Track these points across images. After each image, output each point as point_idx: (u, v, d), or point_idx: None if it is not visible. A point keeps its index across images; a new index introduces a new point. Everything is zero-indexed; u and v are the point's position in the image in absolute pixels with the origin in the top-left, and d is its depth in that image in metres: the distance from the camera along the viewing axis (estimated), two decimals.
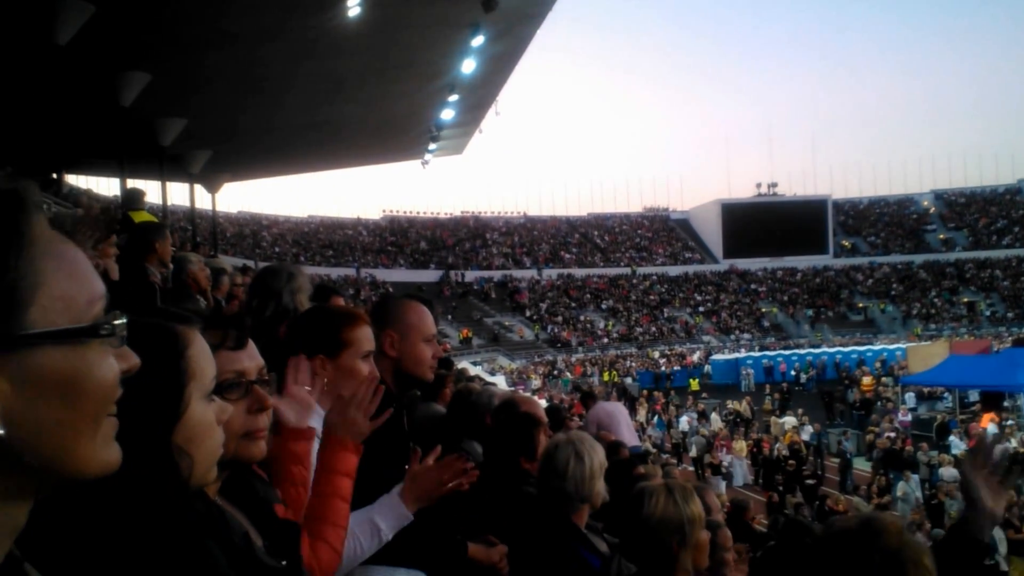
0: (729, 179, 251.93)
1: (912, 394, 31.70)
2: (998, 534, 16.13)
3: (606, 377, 45.67)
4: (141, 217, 8.86)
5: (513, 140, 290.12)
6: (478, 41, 22.66)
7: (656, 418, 32.63)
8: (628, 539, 3.19)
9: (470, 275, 69.58)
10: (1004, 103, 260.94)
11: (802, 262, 77.78)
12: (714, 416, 31.40)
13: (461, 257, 73.22)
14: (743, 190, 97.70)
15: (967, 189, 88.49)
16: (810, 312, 70.73)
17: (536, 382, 41.89)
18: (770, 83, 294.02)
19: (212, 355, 1.43)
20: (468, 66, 25.02)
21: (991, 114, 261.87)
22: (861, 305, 71.71)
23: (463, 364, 21.38)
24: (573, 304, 68.68)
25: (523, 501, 3.65)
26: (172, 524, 1.22)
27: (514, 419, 4.09)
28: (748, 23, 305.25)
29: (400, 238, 74.41)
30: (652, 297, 71.93)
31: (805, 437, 25.71)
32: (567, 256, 77.42)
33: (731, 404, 34.02)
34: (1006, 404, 26.90)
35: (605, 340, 63.01)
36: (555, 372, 49.03)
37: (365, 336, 2.66)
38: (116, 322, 0.93)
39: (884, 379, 37.63)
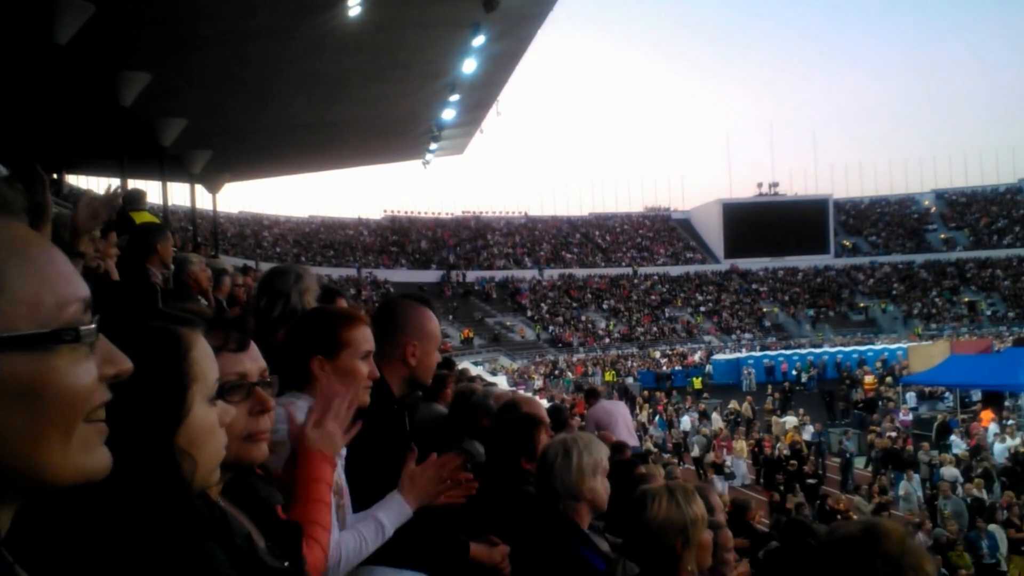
0: (730, 179, 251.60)
1: (913, 394, 31.69)
2: (999, 533, 16.16)
3: (607, 377, 45.66)
4: (142, 218, 8.86)
5: (514, 140, 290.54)
6: (479, 41, 22.65)
7: (658, 418, 32.64)
8: (632, 541, 3.19)
9: (471, 275, 69.58)
10: (1005, 103, 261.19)
11: (803, 262, 77.75)
12: (715, 416, 31.39)
13: (462, 257, 73.21)
14: (744, 190, 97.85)
15: (968, 189, 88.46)
16: (811, 312, 70.71)
17: (538, 382, 41.90)
18: (771, 82, 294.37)
19: (215, 357, 1.43)
20: (469, 66, 25.02)
21: (992, 114, 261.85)
22: (862, 305, 71.70)
23: (464, 364, 21.37)
24: (574, 304, 68.67)
25: (524, 501, 3.66)
26: (174, 525, 1.22)
27: (514, 419, 4.10)
28: (749, 23, 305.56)
29: (401, 238, 74.39)
30: (653, 297, 71.93)
31: (806, 437, 25.71)
32: (568, 256, 77.41)
33: (731, 404, 34.00)
34: (1007, 404, 26.90)
35: (606, 340, 63.01)
36: (556, 372, 49.04)
37: (364, 336, 2.66)
38: (83, 327, 0.90)
39: (887, 379, 37.59)
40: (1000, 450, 22.02)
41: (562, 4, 30.32)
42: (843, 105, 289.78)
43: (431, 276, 68.02)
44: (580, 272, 74.26)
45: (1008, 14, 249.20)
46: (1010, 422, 24.55)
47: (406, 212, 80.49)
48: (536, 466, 3.63)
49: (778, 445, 24.22)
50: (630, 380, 45.28)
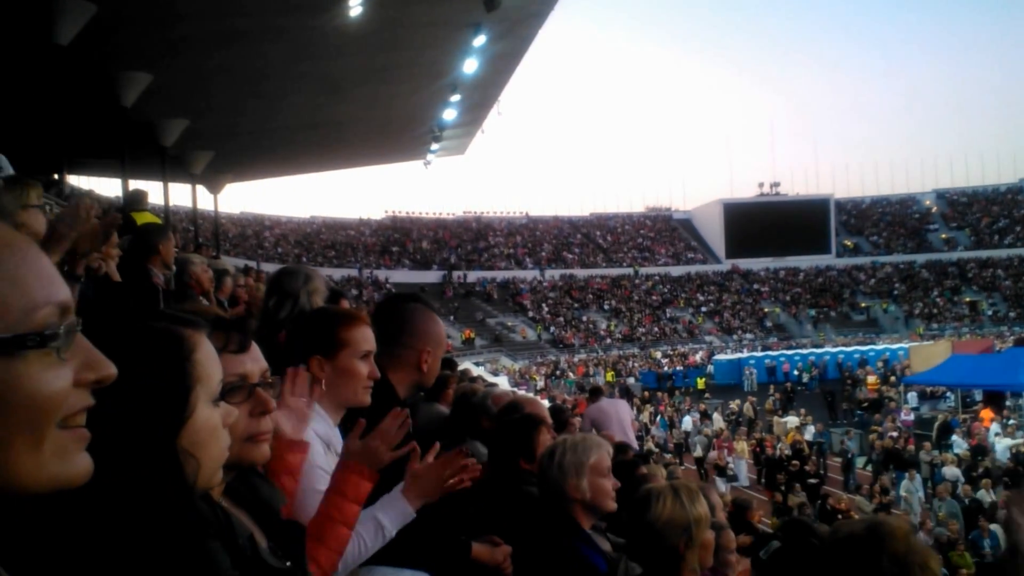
0: (731, 179, 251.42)
1: (915, 393, 31.68)
2: (1000, 533, 16.16)
3: (608, 378, 45.64)
4: (144, 218, 8.86)
5: (515, 140, 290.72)
6: (480, 41, 22.64)
7: (659, 418, 32.65)
8: (635, 540, 3.19)
9: (472, 276, 69.55)
10: (1006, 102, 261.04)
11: (804, 262, 77.72)
12: (716, 416, 31.39)
13: (463, 258, 73.18)
14: (745, 189, 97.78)
15: (969, 188, 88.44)
16: (813, 312, 70.70)
17: (540, 382, 41.90)
18: (772, 82, 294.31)
19: (218, 359, 1.43)
20: (470, 66, 25.01)
21: (993, 113, 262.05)
22: (863, 305, 71.67)
23: (466, 365, 21.34)
24: (576, 305, 68.65)
25: (524, 501, 3.66)
26: (176, 525, 1.22)
27: (515, 420, 4.10)
28: (750, 23, 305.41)
29: (402, 238, 74.36)
30: (654, 297, 71.90)
31: (807, 437, 25.71)
32: (569, 256, 77.38)
33: (734, 405, 33.98)
34: (1008, 403, 26.89)
35: (608, 341, 62.99)
36: (557, 372, 49.04)
37: (363, 336, 2.66)
38: (49, 332, 0.88)
39: (890, 378, 37.60)
40: (1002, 450, 22.01)
41: (563, 4, 30.34)
42: (844, 105, 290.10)
43: (432, 276, 68.00)
44: (581, 272, 74.24)
45: (1009, 14, 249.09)
46: (1011, 421, 24.54)
47: (407, 212, 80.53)
48: (537, 466, 3.63)
49: (779, 445, 24.22)
50: (631, 380, 45.28)
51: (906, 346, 45.30)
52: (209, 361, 1.38)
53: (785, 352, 51.56)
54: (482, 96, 30.54)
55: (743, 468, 24.85)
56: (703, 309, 70.78)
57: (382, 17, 20.14)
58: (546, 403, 11.12)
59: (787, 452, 22.58)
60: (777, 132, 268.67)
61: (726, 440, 26.15)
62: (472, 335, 56.33)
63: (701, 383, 43.89)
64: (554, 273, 73.14)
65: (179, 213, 41.23)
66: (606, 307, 68.99)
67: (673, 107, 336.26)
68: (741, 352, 54.75)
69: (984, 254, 76.03)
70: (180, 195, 38.86)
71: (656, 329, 66.69)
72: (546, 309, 66.57)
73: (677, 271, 76.41)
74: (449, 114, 30.94)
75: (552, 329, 63.52)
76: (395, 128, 33.03)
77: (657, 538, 3.06)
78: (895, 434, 24.40)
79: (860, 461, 23.96)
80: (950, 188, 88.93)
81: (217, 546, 1.36)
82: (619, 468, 3.88)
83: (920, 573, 2.03)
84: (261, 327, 4.10)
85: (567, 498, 3.40)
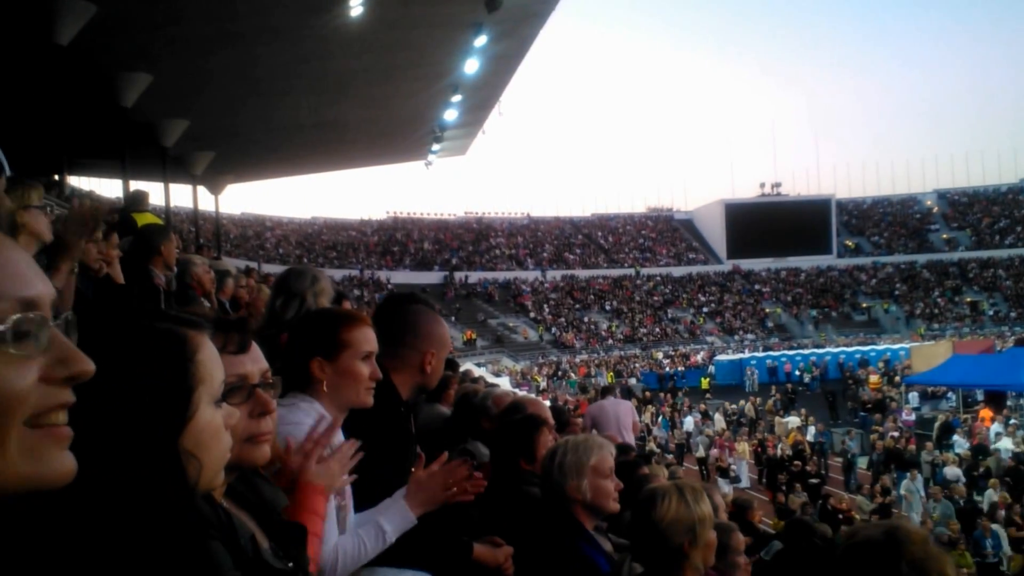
0: (733, 179, 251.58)
1: (916, 394, 31.69)
2: (1000, 532, 16.17)
3: (609, 378, 45.62)
4: (145, 219, 8.84)
5: (516, 141, 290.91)
6: (481, 41, 22.64)
7: (661, 419, 32.64)
8: (639, 540, 3.20)
9: (474, 276, 69.52)
10: (1007, 103, 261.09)
11: (806, 262, 77.71)
12: (717, 416, 31.39)
13: (465, 258, 73.17)
14: (747, 190, 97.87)
15: (970, 189, 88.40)
16: (814, 312, 70.67)
17: (542, 383, 41.89)
18: (773, 83, 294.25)
19: (221, 360, 1.42)
20: (471, 66, 25.00)
21: (994, 114, 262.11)
22: (865, 305, 71.66)
23: (468, 366, 21.35)
24: (577, 305, 68.63)
25: (526, 502, 3.66)
26: (177, 526, 1.21)
27: (516, 421, 4.10)
28: (751, 23, 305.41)
29: (404, 239, 74.36)
30: (656, 298, 71.88)
31: (809, 437, 25.70)
32: (571, 257, 77.36)
33: (728, 404, 33.95)
34: (1009, 403, 26.89)
35: (609, 341, 62.98)
36: (559, 373, 49.02)
37: (365, 337, 2.65)
38: (2, 328, 0.86)
39: (895, 378, 37.60)
40: (1004, 449, 22.00)
41: (564, 4, 30.33)
42: (845, 105, 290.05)
43: (434, 277, 67.99)
44: (583, 273, 74.21)
45: (1011, 14, 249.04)
46: (1012, 421, 24.54)
47: (408, 213, 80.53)
48: (539, 467, 3.63)
49: (780, 445, 24.22)
50: (633, 381, 45.26)
51: (907, 346, 45.32)
52: (212, 362, 1.38)
53: (786, 352, 51.59)
54: (483, 96, 30.54)
55: (744, 469, 24.84)
56: (704, 310, 70.76)
57: (383, 17, 20.14)
58: (547, 404, 11.15)
59: (788, 452, 22.59)
60: (778, 133, 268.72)
61: (727, 440, 26.15)
62: (473, 336, 56.32)
63: (705, 383, 43.93)
64: (555, 274, 73.12)
65: (180, 214, 41.23)
66: (607, 308, 68.96)
67: (674, 107, 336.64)
68: (742, 352, 54.74)
69: (985, 254, 76.02)
70: (181, 196, 38.93)
71: (657, 330, 66.67)
72: (547, 310, 66.55)
73: (678, 271, 76.39)
74: (450, 114, 30.95)
75: (553, 330, 63.51)
76: (396, 128, 33.03)
77: (662, 537, 3.07)
78: (896, 434, 24.41)
79: (862, 461, 23.97)
80: (951, 188, 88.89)
81: (219, 547, 1.36)
82: (620, 468, 3.88)
83: None
84: (267, 327, 4.10)
85: (568, 499, 3.40)
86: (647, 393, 38.58)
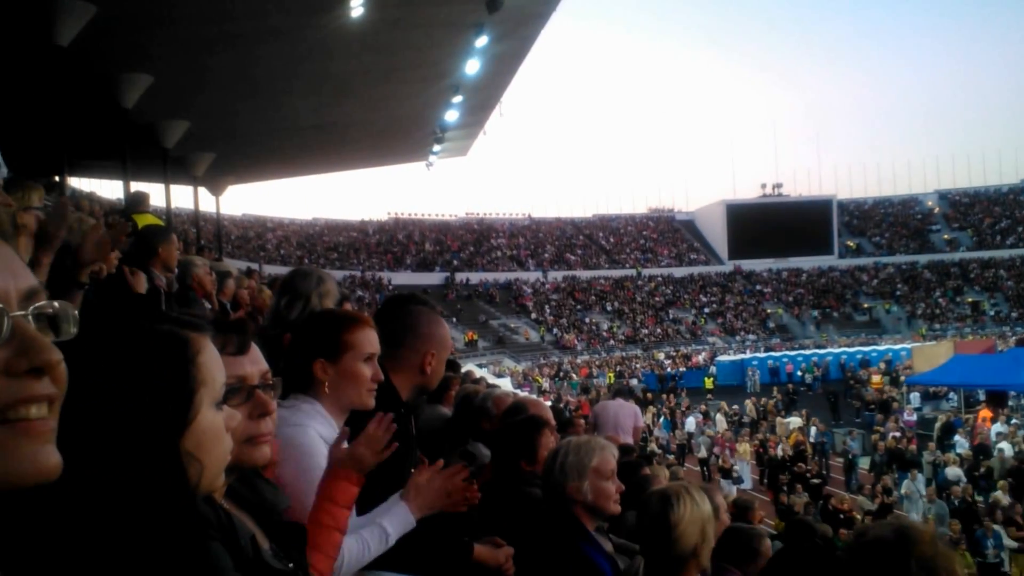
0: (734, 179, 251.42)
1: (917, 394, 31.70)
2: (1001, 532, 16.16)
3: (610, 378, 45.61)
4: (146, 220, 8.84)
5: (517, 141, 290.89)
6: (482, 42, 22.64)
7: (662, 419, 32.62)
8: (654, 541, 3.22)
9: (475, 277, 69.50)
10: (1008, 103, 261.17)
11: (807, 262, 77.64)
12: (719, 417, 31.38)
13: (466, 260, 73.16)
14: (748, 190, 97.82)
15: (971, 189, 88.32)
16: (815, 313, 70.64)
17: (545, 384, 41.88)
18: (774, 83, 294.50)
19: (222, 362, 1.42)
20: (472, 67, 25.00)
21: (995, 114, 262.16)
22: (866, 305, 71.62)
23: (469, 366, 21.36)
24: (578, 306, 68.61)
25: (527, 502, 3.66)
26: (178, 527, 1.21)
27: (517, 421, 4.11)
28: (752, 23, 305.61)
29: (405, 240, 74.36)
30: (657, 298, 71.84)
31: (810, 438, 25.69)
32: (572, 258, 77.33)
33: (725, 406, 33.90)
34: (1010, 403, 26.89)
35: (610, 342, 62.97)
36: (561, 374, 49.01)
37: (367, 339, 2.65)
38: None
39: (899, 379, 37.58)
40: (1007, 449, 21.98)
41: (565, 4, 30.36)
42: (846, 105, 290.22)
43: (435, 278, 67.95)
44: (584, 274, 74.16)
45: (1011, 14, 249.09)
46: (1013, 421, 24.53)
47: (409, 214, 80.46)
48: (540, 468, 3.64)
49: (781, 446, 24.21)
50: (634, 382, 45.23)
51: (909, 346, 45.31)
52: (213, 364, 1.38)
53: (788, 353, 51.60)
54: (484, 97, 30.55)
55: (747, 470, 24.84)
56: (706, 310, 70.72)
57: (384, 18, 20.14)
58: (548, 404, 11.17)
59: (789, 453, 22.59)
60: (780, 133, 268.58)
61: (729, 441, 26.15)
62: (475, 337, 56.30)
63: (709, 383, 43.93)
64: (557, 275, 73.07)
65: (181, 215, 41.24)
66: (609, 308, 68.94)
67: (676, 108, 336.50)
68: (744, 353, 54.77)
69: (986, 254, 75.99)
70: (182, 197, 38.97)
71: (659, 330, 66.63)
72: (549, 311, 66.52)
73: (680, 272, 76.33)
74: (451, 115, 30.96)
75: (555, 331, 63.49)
76: (397, 129, 33.05)
77: (680, 539, 3.11)
78: (898, 434, 24.41)
79: (863, 462, 23.97)
80: (952, 189, 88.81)
81: (219, 547, 1.36)
82: (622, 469, 3.88)
83: None
84: (271, 327, 4.11)
85: (569, 500, 3.40)
86: (648, 394, 38.55)
